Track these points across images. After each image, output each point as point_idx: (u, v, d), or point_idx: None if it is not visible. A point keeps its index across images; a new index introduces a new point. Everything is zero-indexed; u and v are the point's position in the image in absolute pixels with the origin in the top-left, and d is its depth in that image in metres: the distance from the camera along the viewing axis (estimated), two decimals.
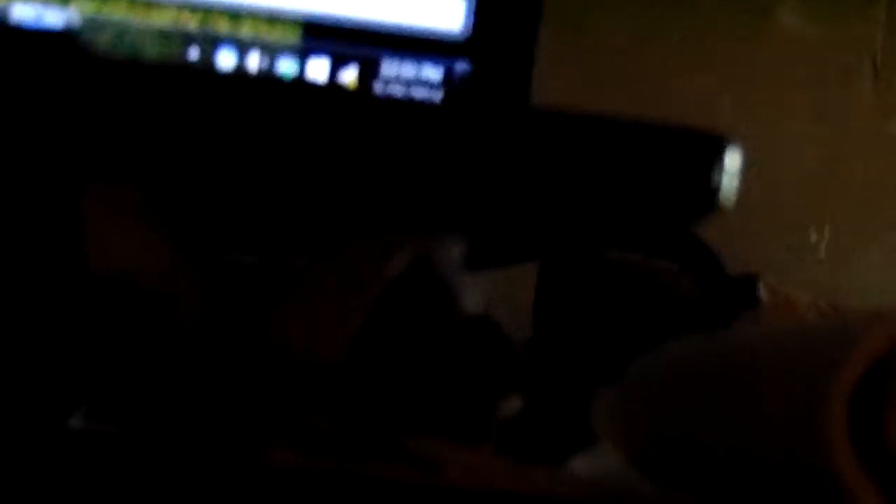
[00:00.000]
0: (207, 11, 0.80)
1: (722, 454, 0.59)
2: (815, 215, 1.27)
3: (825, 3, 1.27)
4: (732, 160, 0.65)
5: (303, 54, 0.81)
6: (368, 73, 0.81)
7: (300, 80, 0.80)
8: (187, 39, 0.80)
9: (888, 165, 1.28)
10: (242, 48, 0.80)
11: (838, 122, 1.28)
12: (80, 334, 0.66)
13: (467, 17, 0.81)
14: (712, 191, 0.64)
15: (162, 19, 0.79)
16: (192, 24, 0.79)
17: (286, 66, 0.81)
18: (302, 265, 0.71)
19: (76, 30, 0.76)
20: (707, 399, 0.60)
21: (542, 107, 0.71)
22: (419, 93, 0.80)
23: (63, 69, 0.69)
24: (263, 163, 0.72)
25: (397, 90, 0.80)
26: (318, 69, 0.81)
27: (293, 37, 0.81)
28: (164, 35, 0.79)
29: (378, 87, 0.80)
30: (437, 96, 0.80)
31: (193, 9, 0.79)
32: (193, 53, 0.80)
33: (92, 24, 0.78)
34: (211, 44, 0.80)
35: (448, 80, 0.81)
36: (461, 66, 0.81)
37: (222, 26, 0.80)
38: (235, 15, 0.80)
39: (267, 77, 0.79)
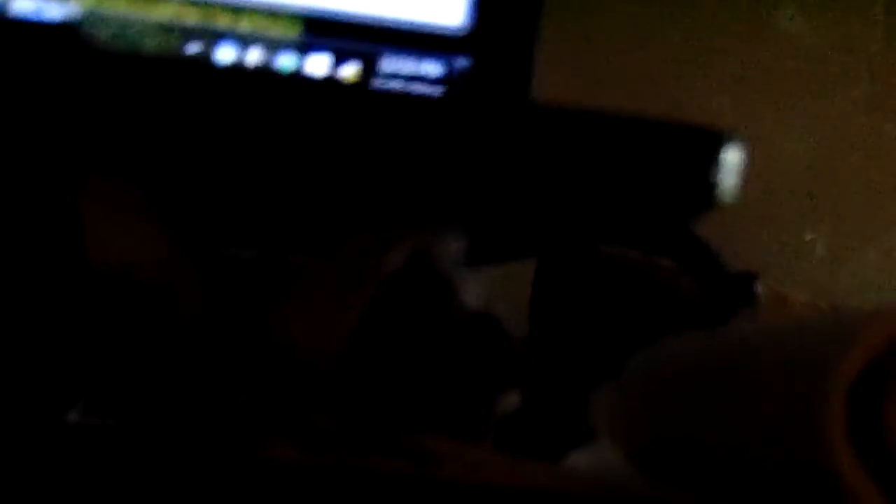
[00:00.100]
0: (208, 6, 0.80)
1: (720, 451, 0.59)
2: (811, 215, 1.27)
3: (823, 4, 1.27)
4: (732, 156, 0.65)
5: (303, 49, 0.81)
6: (369, 68, 0.81)
7: (299, 75, 0.80)
8: (187, 34, 0.79)
9: (884, 165, 1.28)
10: (242, 43, 0.80)
11: (835, 122, 1.28)
12: (78, 328, 0.66)
13: (468, 13, 0.81)
14: (711, 187, 0.64)
15: (162, 13, 0.79)
16: (192, 18, 0.79)
17: (286, 62, 0.81)
18: (300, 260, 0.71)
19: (76, 23, 0.76)
20: (705, 396, 0.60)
21: (541, 102, 0.71)
22: (419, 88, 0.80)
23: (63, 63, 0.69)
24: (262, 157, 0.72)
25: (398, 86, 0.80)
26: (318, 65, 0.81)
27: (293, 32, 0.81)
28: (164, 29, 0.79)
29: (378, 83, 0.80)
30: (438, 92, 0.80)
31: (194, 3, 0.79)
32: (193, 48, 0.80)
33: (92, 17, 0.78)
34: (211, 38, 0.80)
35: (448, 76, 0.81)
36: (462, 62, 0.81)
37: (222, 21, 0.80)
38: (236, 9, 0.80)
39: (266, 71, 0.79)
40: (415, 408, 0.67)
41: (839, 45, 1.27)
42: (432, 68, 0.81)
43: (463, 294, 0.67)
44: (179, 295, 0.67)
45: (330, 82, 0.80)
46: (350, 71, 0.81)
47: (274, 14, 0.80)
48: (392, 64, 0.81)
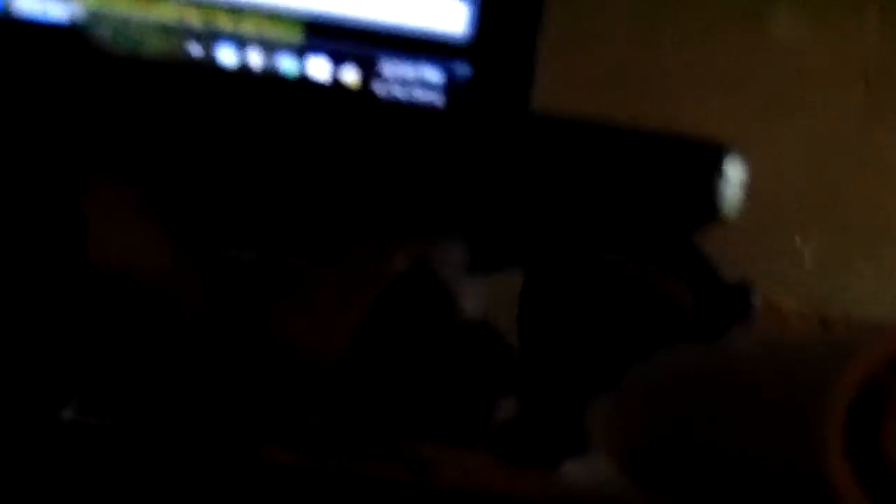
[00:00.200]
0: (210, 7, 0.79)
1: (716, 464, 0.59)
2: (802, 224, 1.27)
3: (817, 12, 1.27)
4: (735, 171, 0.65)
5: (303, 52, 0.81)
6: (369, 73, 0.81)
7: (303, 80, 0.80)
8: (189, 35, 0.79)
9: (877, 175, 1.28)
10: (243, 45, 0.80)
11: (828, 130, 1.28)
12: (79, 328, 0.66)
13: (470, 20, 0.81)
14: (714, 201, 0.64)
15: (165, 14, 0.79)
16: (194, 19, 0.79)
17: (287, 64, 0.81)
18: (300, 263, 0.71)
19: (80, 24, 0.76)
20: (702, 409, 0.60)
21: (546, 113, 0.72)
22: (419, 94, 0.80)
23: (65, 64, 0.69)
24: (263, 160, 0.72)
25: (397, 91, 0.80)
26: (318, 68, 0.81)
27: (294, 35, 0.81)
28: (165, 30, 0.79)
29: (378, 88, 0.80)
30: (438, 98, 0.80)
31: (196, 4, 0.79)
32: (195, 49, 0.80)
33: (95, 18, 0.78)
34: (212, 40, 0.80)
35: (449, 83, 0.81)
36: (462, 69, 0.81)
37: (224, 22, 0.80)
38: (237, 11, 0.80)
39: (270, 76, 0.79)
40: (412, 414, 0.67)
41: (833, 53, 1.28)
42: (433, 74, 0.81)
43: (462, 302, 0.67)
44: (180, 296, 0.67)
45: (333, 88, 0.80)
46: (350, 75, 0.81)
47: (275, 16, 0.80)
48: (392, 69, 0.81)
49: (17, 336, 0.66)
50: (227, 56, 0.80)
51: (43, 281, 0.66)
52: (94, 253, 0.66)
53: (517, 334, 0.77)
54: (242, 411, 0.64)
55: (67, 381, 0.65)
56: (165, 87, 0.72)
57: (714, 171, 0.65)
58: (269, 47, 0.80)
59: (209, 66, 0.79)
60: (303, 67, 0.81)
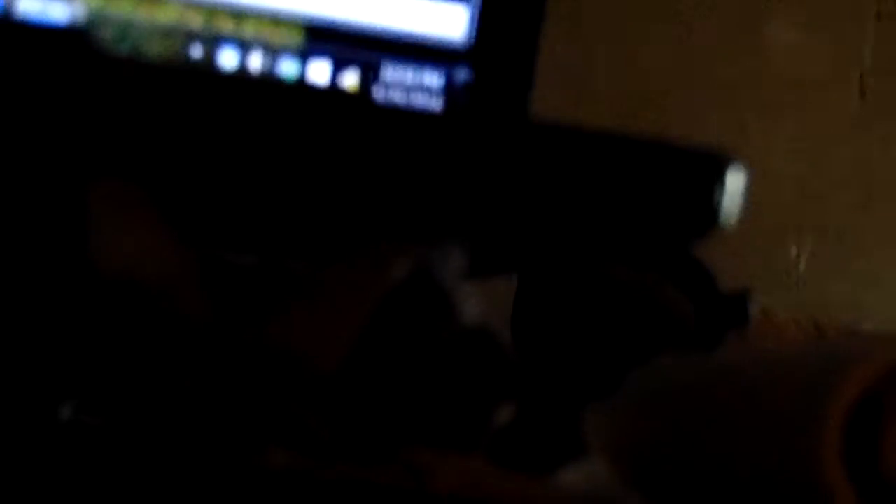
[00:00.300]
0: (212, 10, 0.80)
1: (714, 472, 0.59)
2: (798, 232, 1.27)
3: (813, 18, 1.28)
4: (734, 180, 0.65)
5: (304, 56, 0.81)
6: (369, 77, 0.81)
7: (303, 84, 0.80)
8: (190, 37, 0.80)
9: (872, 182, 1.29)
10: (245, 48, 0.80)
11: (823, 138, 1.28)
12: (80, 330, 0.66)
13: (470, 25, 0.81)
14: (713, 210, 0.65)
15: (166, 16, 0.79)
16: (195, 22, 0.79)
17: (288, 68, 0.81)
18: (300, 268, 0.71)
19: (81, 26, 0.76)
20: (701, 418, 0.60)
21: (545, 121, 0.72)
22: (419, 99, 0.81)
23: (67, 67, 0.69)
24: (264, 165, 0.72)
25: (398, 96, 0.80)
26: (319, 71, 0.81)
27: (295, 38, 0.81)
28: (167, 32, 0.79)
29: (379, 92, 0.81)
30: (438, 103, 0.81)
31: (198, 7, 0.79)
32: (196, 52, 0.80)
33: (96, 20, 0.78)
34: (213, 43, 0.80)
35: (449, 88, 0.81)
36: (462, 74, 0.81)
37: (226, 25, 0.80)
38: (239, 14, 0.80)
39: (270, 79, 0.79)
40: (410, 419, 0.67)
41: (828, 61, 1.28)
42: (433, 79, 0.81)
43: (462, 308, 0.67)
44: (182, 299, 0.67)
45: (333, 92, 0.80)
46: (350, 79, 0.81)
47: (276, 20, 0.80)
48: (393, 73, 0.81)
49: (16, 335, 0.66)
50: (228, 59, 0.80)
51: (43, 282, 0.66)
52: (96, 254, 0.66)
53: (515, 340, 0.77)
54: (241, 415, 0.65)
55: (66, 381, 0.65)
56: (167, 90, 0.72)
57: (714, 181, 0.65)
58: (271, 51, 0.81)
59: (210, 69, 0.79)
60: (304, 71, 0.81)
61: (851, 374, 0.54)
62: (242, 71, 0.80)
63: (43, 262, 0.66)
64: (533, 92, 0.82)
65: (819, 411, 0.54)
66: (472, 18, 0.81)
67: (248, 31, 0.80)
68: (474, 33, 0.81)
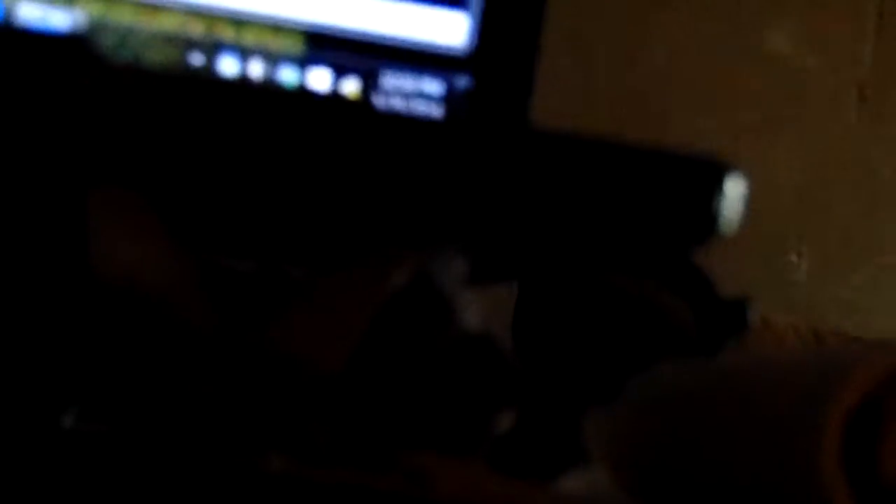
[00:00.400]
0: (212, 18, 0.80)
1: (713, 479, 0.59)
2: (796, 238, 1.27)
3: (813, 26, 1.28)
4: (734, 188, 0.65)
5: (304, 63, 0.81)
6: (370, 84, 0.81)
7: (302, 90, 0.80)
8: (190, 45, 0.80)
9: (871, 189, 1.29)
10: (245, 55, 0.80)
11: (823, 145, 1.28)
12: (80, 336, 0.66)
13: (470, 32, 0.82)
14: (713, 217, 0.65)
15: (167, 24, 0.79)
16: (196, 29, 0.80)
17: (288, 75, 0.81)
18: (300, 274, 0.71)
19: (83, 33, 0.77)
20: (700, 425, 0.60)
21: (544, 128, 0.72)
22: (420, 106, 0.81)
23: (68, 74, 0.69)
24: (264, 172, 0.72)
25: (398, 103, 0.81)
26: (319, 79, 0.81)
27: (296, 46, 0.81)
28: (167, 40, 0.79)
29: (379, 100, 0.81)
30: (438, 110, 0.81)
31: (199, 15, 0.79)
32: (196, 59, 0.80)
33: (97, 27, 0.78)
34: (214, 50, 0.80)
35: (449, 95, 0.81)
36: (463, 82, 0.81)
37: (226, 33, 0.80)
38: (239, 22, 0.80)
39: (271, 86, 0.80)
40: (410, 425, 0.67)
41: (827, 68, 1.28)
42: (433, 87, 0.81)
43: (462, 314, 0.67)
44: (183, 305, 0.67)
45: (333, 99, 0.80)
46: (351, 86, 0.81)
47: (277, 27, 0.81)
48: (393, 81, 0.81)
49: (18, 343, 0.66)
50: (228, 66, 0.80)
51: (45, 289, 0.66)
52: (97, 261, 0.66)
53: (515, 347, 0.77)
54: (242, 420, 0.65)
55: (68, 389, 0.65)
56: (167, 97, 0.73)
57: (714, 188, 0.65)
58: (271, 58, 0.81)
59: (211, 76, 0.80)
60: (304, 78, 0.81)
61: (850, 380, 0.54)
62: (243, 78, 0.80)
63: (43, 270, 0.67)
64: (533, 99, 0.82)
65: (818, 418, 0.54)
66: (472, 26, 0.82)
67: (249, 38, 0.80)
68: (475, 41, 0.82)
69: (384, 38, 0.81)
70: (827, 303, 1.26)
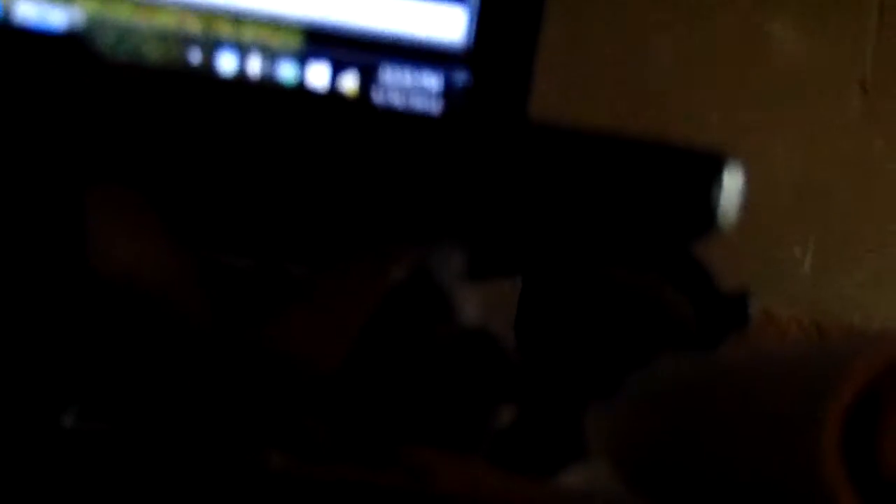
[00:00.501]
0: (210, 15, 0.80)
1: (714, 473, 0.59)
2: (799, 231, 1.27)
3: (815, 20, 1.28)
4: (732, 180, 0.65)
5: (303, 60, 0.81)
6: (368, 80, 0.81)
7: (301, 87, 0.80)
8: (189, 42, 0.80)
9: (874, 183, 1.28)
10: (243, 52, 0.80)
11: (825, 139, 1.28)
12: (79, 334, 0.66)
13: (468, 27, 0.81)
14: (711, 210, 0.65)
15: (165, 21, 0.79)
16: (194, 27, 0.79)
17: (286, 71, 0.81)
18: (298, 270, 0.71)
19: (80, 32, 0.77)
20: (700, 419, 0.60)
21: (543, 122, 0.72)
22: (418, 101, 0.81)
23: (67, 72, 0.69)
24: (262, 168, 0.72)
25: (397, 98, 0.81)
26: (318, 75, 0.81)
27: (294, 42, 0.81)
28: (165, 37, 0.79)
29: (377, 95, 0.81)
30: (437, 105, 0.81)
31: (197, 12, 0.79)
32: (195, 56, 0.80)
33: (95, 25, 0.78)
34: (212, 47, 0.80)
35: (448, 90, 0.81)
36: (461, 76, 0.81)
37: (224, 30, 0.80)
38: (237, 19, 0.80)
39: (269, 83, 0.80)
40: (410, 420, 0.67)
41: (830, 63, 1.28)
42: (432, 82, 0.81)
43: (461, 309, 0.67)
44: (181, 303, 0.67)
45: (331, 96, 0.80)
46: (349, 82, 0.81)
47: (275, 24, 0.81)
48: (392, 76, 0.81)
49: (17, 342, 0.66)
50: (227, 63, 0.80)
51: (44, 287, 0.66)
52: (95, 259, 0.66)
53: (515, 342, 0.77)
54: (240, 417, 0.65)
55: (68, 388, 0.65)
56: (166, 95, 0.73)
57: (712, 181, 0.65)
58: (270, 55, 0.81)
59: (209, 73, 0.80)
60: (303, 75, 0.81)
61: (849, 373, 0.54)
62: (241, 75, 0.80)
63: (42, 268, 0.67)
64: (532, 93, 0.82)
65: (818, 411, 0.54)
66: (470, 21, 0.82)
67: (247, 35, 0.80)
68: (473, 35, 0.82)
69: (382, 33, 0.81)
70: (830, 296, 1.26)
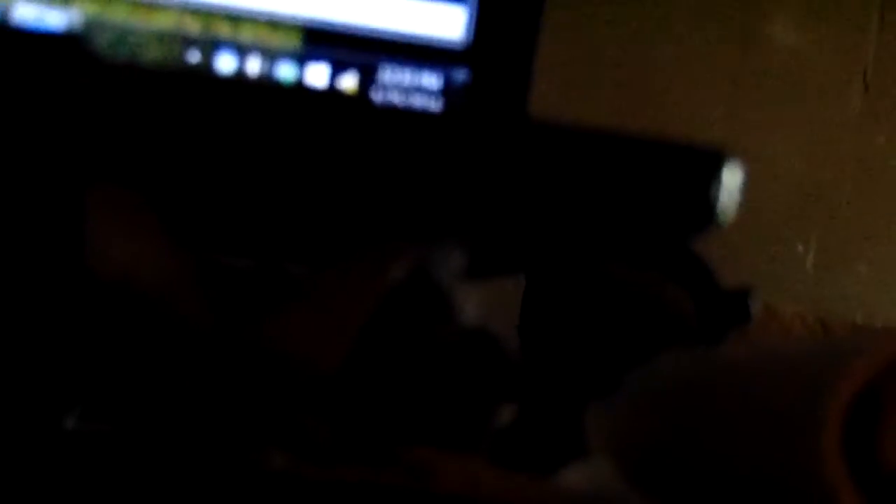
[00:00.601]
0: (209, 15, 0.80)
1: (715, 470, 0.59)
2: (802, 227, 1.27)
3: (817, 15, 1.28)
4: (732, 177, 0.65)
5: (302, 59, 0.81)
6: (368, 79, 0.81)
7: (299, 86, 0.80)
8: (188, 42, 0.80)
9: (876, 178, 1.28)
10: (242, 52, 0.80)
11: (827, 134, 1.28)
12: (78, 336, 0.66)
13: (468, 25, 0.81)
14: (710, 207, 0.65)
15: (163, 22, 0.79)
16: (193, 27, 0.79)
17: (286, 71, 0.81)
18: (298, 270, 0.71)
19: (78, 32, 0.77)
20: (701, 416, 0.60)
21: (542, 120, 0.72)
22: (418, 100, 0.81)
23: (65, 73, 0.69)
24: (261, 168, 0.72)
25: (396, 97, 0.80)
26: (317, 74, 0.81)
27: (293, 42, 0.81)
28: (164, 38, 0.79)
29: (377, 94, 0.81)
30: (437, 104, 0.81)
31: (195, 12, 0.79)
32: (193, 56, 0.80)
33: (93, 26, 0.78)
34: (211, 47, 0.80)
35: (447, 89, 0.81)
36: (461, 75, 0.81)
37: (223, 30, 0.80)
38: (236, 19, 0.80)
39: (268, 83, 0.80)
40: (410, 420, 0.67)
41: (831, 58, 1.28)
42: (431, 80, 0.81)
43: (462, 308, 0.67)
44: (180, 303, 0.67)
45: (330, 94, 0.80)
46: (349, 81, 0.81)
47: (274, 24, 0.81)
48: (391, 75, 0.81)
49: (18, 344, 0.66)
50: (226, 63, 0.80)
51: (43, 289, 0.66)
52: (94, 260, 0.66)
53: (517, 340, 0.77)
54: (240, 417, 0.65)
55: (70, 390, 0.65)
56: (164, 95, 0.72)
57: (712, 177, 0.65)
58: (269, 54, 0.81)
59: (208, 73, 0.80)
60: (302, 74, 0.81)
61: (850, 370, 0.54)
62: (240, 75, 0.80)
63: (40, 269, 0.67)
64: (531, 91, 0.82)
65: (819, 408, 0.54)
66: (469, 19, 0.82)
67: (246, 35, 0.80)
68: (472, 34, 0.81)
69: (382, 32, 0.81)
70: (833, 292, 1.26)
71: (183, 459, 0.62)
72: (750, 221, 1.21)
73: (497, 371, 0.68)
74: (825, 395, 0.54)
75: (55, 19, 0.78)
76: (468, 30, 0.82)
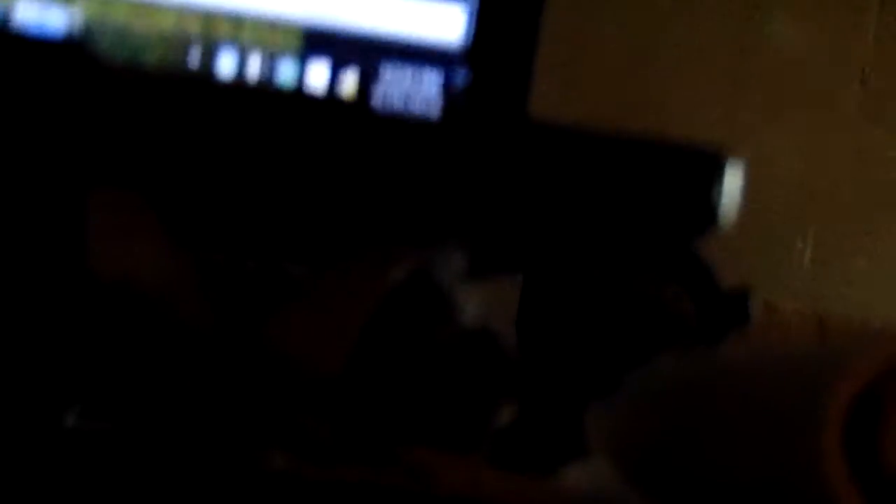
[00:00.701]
0: (209, 16, 0.80)
1: (715, 470, 0.59)
2: (800, 224, 1.27)
3: (815, 14, 1.28)
4: (732, 179, 0.65)
5: (303, 60, 0.81)
6: (368, 80, 0.81)
7: (302, 89, 0.80)
8: (188, 43, 0.80)
9: (874, 175, 1.28)
10: (243, 53, 0.80)
11: (825, 132, 1.28)
12: (80, 336, 0.66)
13: (467, 27, 0.81)
14: (712, 208, 0.65)
15: (164, 23, 0.79)
16: (194, 28, 0.80)
17: (286, 72, 0.81)
18: (299, 271, 0.72)
19: (80, 35, 0.77)
20: (702, 416, 0.60)
21: (543, 121, 0.72)
22: (418, 101, 0.81)
23: (66, 75, 0.69)
24: (263, 170, 0.72)
25: (396, 98, 0.81)
26: (317, 75, 0.81)
27: (294, 43, 0.81)
28: (165, 38, 0.79)
29: (377, 95, 0.81)
30: (436, 105, 0.81)
31: (196, 14, 0.79)
32: (194, 57, 0.80)
33: (94, 27, 0.78)
34: (212, 48, 0.80)
35: (447, 90, 0.81)
36: (460, 76, 0.81)
37: (224, 31, 0.80)
38: (237, 20, 0.80)
39: (269, 85, 0.80)
40: (410, 421, 0.67)
41: (830, 56, 1.28)
42: (431, 81, 0.81)
43: (462, 309, 0.67)
44: (181, 304, 0.67)
45: (331, 97, 0.80)
46: (348, 82, 0.81)
47: (274, 25, 0.81)
48: (391, 76, 0.81)
49: (19, 343, 0.66)
50: (227, 65, 0.80)
51: (45, 289, 0.67)
52: (96, 261, 0.66)
53: (516, 341, 0.77)
54: (241, 418, 0.65)
55: (70, 388, 0.66)
56: (165, 97, 0.73)
57: (712, 178, 0.65)
58: (269, 56, 0.81)
59: (208, 75, 0.80)
60: (302, 75, 0.81)
61: (849, 371, 0.54)
62: (241, 77, 0.80)
63: (43, 270, 0.67)
64: (532, 94, 0.82)
65: (819, 410, 0.54)
66: (469, 20, 0.82)
67: (246, 36, 0.80)
68: (471, 35, 0.82)
69: (382, 33, 0.81)
70: (831, 289, 1.26)
71: (183, 459, 0.62)
72: (748, 218, 1.21)
73: (497, 372, 0.68)
74: (825, 395, 0.54)
75: (56, 20, 0.78)
76: (468, 31, 0.82)
